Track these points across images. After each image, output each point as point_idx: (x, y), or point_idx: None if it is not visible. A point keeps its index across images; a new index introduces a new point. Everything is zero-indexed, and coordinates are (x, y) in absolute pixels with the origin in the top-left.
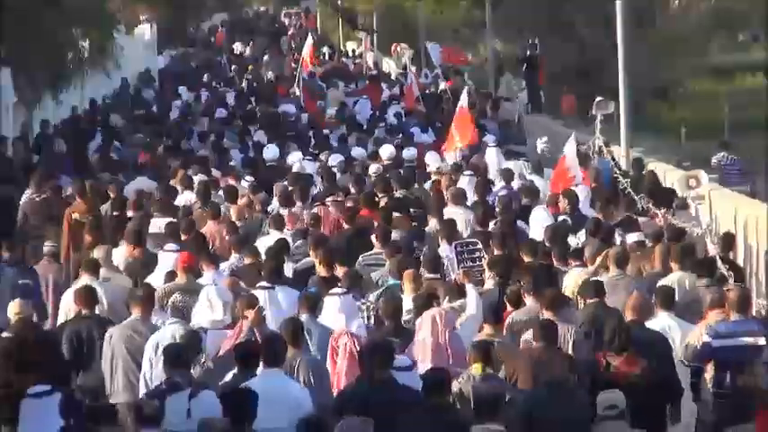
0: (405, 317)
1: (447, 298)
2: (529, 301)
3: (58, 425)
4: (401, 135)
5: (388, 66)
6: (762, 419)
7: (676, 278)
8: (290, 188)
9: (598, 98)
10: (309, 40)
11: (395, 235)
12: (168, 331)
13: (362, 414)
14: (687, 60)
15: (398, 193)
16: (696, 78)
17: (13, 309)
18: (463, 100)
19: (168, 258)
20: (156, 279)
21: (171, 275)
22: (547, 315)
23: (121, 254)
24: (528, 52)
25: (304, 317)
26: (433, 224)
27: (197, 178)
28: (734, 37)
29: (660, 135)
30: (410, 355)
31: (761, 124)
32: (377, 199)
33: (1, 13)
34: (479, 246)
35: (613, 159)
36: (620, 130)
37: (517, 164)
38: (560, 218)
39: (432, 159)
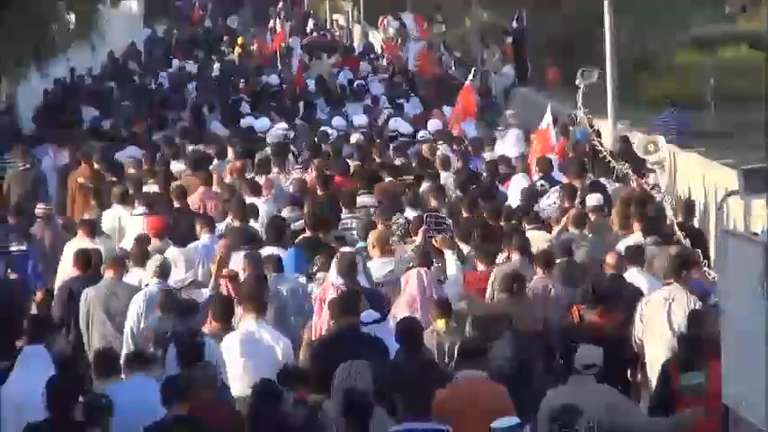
0: (378, 278)
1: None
2: (515, 256)
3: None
4: (389, 105)
5: (374, 38)
6: (714, 366)
7: (632, 240)
8: (271, 157)
9: (582, 68)
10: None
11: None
12: (155, 290)
13: (332, 361)
14: (672, 32)
15: (398, 161)
16: (681, 50)
17: None
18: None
19: (136, 222)
20: (127, 242)
21: (141, 239)
22: (539, 273)
23: (115, 216)
24: (515, 25)
25: (272, 275)
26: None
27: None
28: (720, 8)
29: (645, 107)
30: (396, 311)
31: (746, 96)
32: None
33: None
34: (447, 219)
35: (592, 128)
36: (608, 102)
37: (516, 133)
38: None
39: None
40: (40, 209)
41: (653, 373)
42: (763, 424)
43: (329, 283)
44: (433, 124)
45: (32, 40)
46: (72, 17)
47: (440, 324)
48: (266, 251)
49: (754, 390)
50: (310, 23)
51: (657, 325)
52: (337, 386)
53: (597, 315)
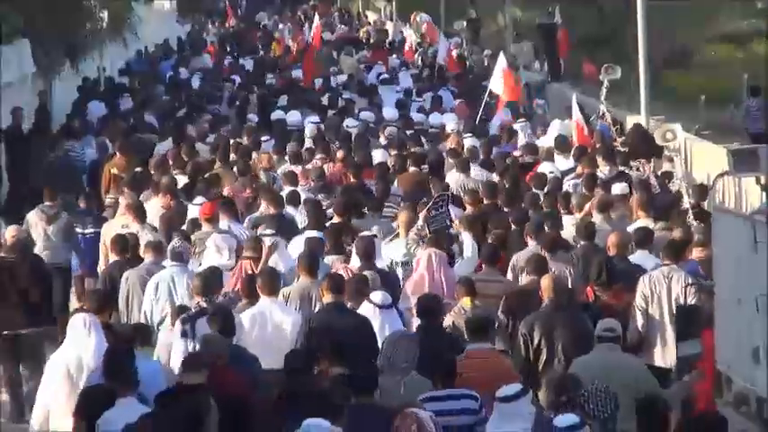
0: (401, 259)
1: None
2: (531, 243)
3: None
4: (419, 98)
5: (406, 33)
6: (707, 336)
7: (641, 224)
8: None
9: (605, 64)
10: (317, 20)
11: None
12: (168, 273)
13: (318, 336)
14: (704, 27)
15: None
16: (712, 45)
17: (9, 233)
18: (502, 62)
19: (196, 210)
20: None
21: (194, 223)
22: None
23: (154, 205)
24: (547, 20)
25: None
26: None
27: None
28: (752, 4)
29: (676, 102)
30: (406, 290)
31: None
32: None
33: None
34: (445, 196)
35: (615, 122)
36: (641, 98)
37: (523, 125)
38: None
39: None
40: (109, 197)
41: (653, 343)
42: (755, 385)
43: (338, 267)
44: (454, 117)
45: (65, 38)
46: (105, 15)
47: (466, 303)
48: (308, 236)
49: (743, 354)
50: (338, 19)
51: (659, 299)
52: (389, 360)
53: (610, 296)
